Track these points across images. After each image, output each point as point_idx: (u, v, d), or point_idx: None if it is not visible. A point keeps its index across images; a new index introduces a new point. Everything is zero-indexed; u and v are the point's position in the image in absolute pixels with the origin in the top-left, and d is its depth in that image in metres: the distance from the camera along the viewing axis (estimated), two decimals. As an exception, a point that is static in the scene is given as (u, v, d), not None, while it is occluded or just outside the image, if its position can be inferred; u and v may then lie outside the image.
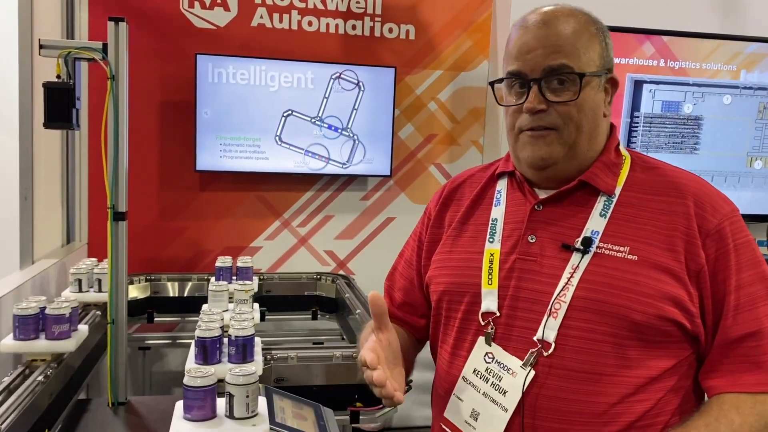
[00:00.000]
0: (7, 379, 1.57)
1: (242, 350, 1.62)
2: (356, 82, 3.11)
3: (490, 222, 1.15)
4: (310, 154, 3.11)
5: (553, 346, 1.02)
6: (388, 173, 3.22)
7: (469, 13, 3.31)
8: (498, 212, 1.16)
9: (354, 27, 3.18)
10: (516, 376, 1.04)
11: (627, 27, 3.33)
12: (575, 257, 1.04)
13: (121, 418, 1.84)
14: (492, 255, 1.11)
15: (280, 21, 3.09)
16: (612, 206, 1.06)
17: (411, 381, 1.99)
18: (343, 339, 2.66)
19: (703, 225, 1.02)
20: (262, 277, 2.89)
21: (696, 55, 3.43)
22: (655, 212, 1.05)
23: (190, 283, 2.82)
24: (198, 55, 2.91)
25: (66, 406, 1.78)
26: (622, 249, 1.03)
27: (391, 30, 3.23)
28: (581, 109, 1.06)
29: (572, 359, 1.01)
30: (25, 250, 2.34)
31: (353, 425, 1.90)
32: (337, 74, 3.08)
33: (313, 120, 3.09)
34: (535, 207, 1.11)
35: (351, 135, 3.15)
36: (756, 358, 1.00)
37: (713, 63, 3.45)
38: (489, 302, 1.09)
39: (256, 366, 1.47)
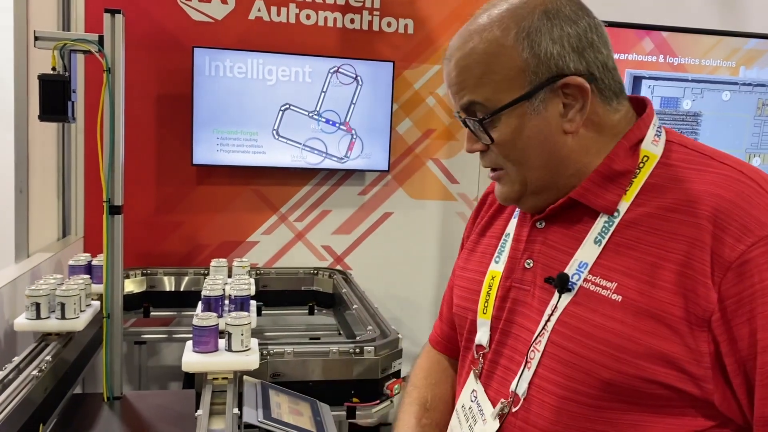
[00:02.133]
0: (0, 374, 1.56)
1: (240, 306, 1.90)
2: (354, 76, 3.10)
3: (503, 237, 0.98)
4: (307, 149, 3.10)
5: (522, 400, 0.86)
6: (386, 168, 3.21)
7: (468, 6, 3.28)
8: (512, 226, 0.98)
9: (352, 21, 3.17)
10: (486, 424, 0.90)
11: (626, 23, 3.32)
12: (556, 295, 0.85)
13: (116, 412, 1.84)
14: (493, 278, 0.96)
15: (278, 14, 3.08)
16: (612, 228, 0.84)
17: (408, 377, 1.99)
18: (339, 334, 2.66)
19: (720, 253, 0.75)
20: (258, 272, 2.88)
21: (695, 51, 3.42)
22: (665, 237, 0.79)
23: (186, 278, 2.81)
24: (195, 48, 2.89)
25: (61, 401, 1.77)
26: (609, 285, 0.81)
27: (389, 24, 3.22)
28: (511, 147, 0.87)
29: (540, 416, 0.84)
30: (21, 243, 2.33)
31: (350, 421, 1.89)
32: (335, 68, 3.07)
33: (310, 114, 3.08)
34: (536, 224, 0.93)
35: (349, 129, 3.13)
36: None
37: (712, 59, 3.44)
38: (482, 334, 0.95)
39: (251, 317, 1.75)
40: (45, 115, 1.84)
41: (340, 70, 3.08)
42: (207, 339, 1.64)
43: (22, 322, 1.80)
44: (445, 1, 3.27)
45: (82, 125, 2.81)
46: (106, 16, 1.86)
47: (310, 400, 1.72)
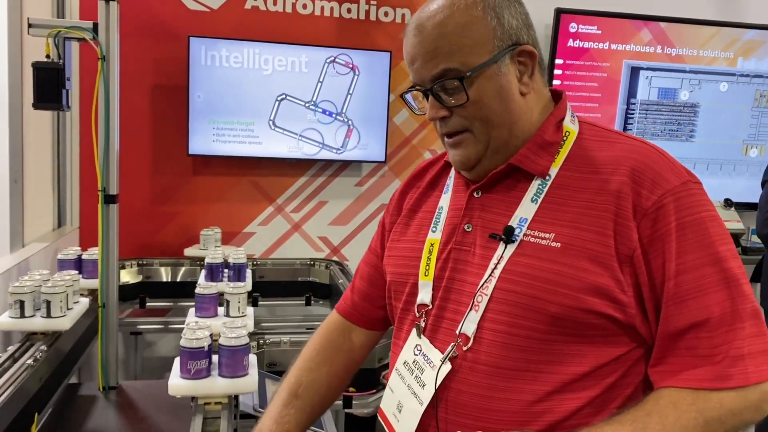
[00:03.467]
0: (-5, 363, 1.55)
1: (237, 273, 2.16)
2: (351, 66, 3.08)
3: (437, 210, 1.10)
4: (304, 139, 3.08)
5: (471, 340, 0.97)
6: (383, 159, 3.20)
7: (466, -3, 3.28)
8: (445, 200, 1.11)
9: (349, 10, 3.15)
10: (435, 368, 0.99)
11: (624, 13, 3.31)
12: (501, 247, 0.98)
13: (111, 402, 1.83)
14: (432, 245, 1.07)
15: (275, 4, 3.06)
16: (546, 189, 0.99)
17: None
18: (336, 325, 2.65)
19: (638, 203, 0.92)
20: (255, 262, 2.87)
21: (693, 42, 3.41)
22: (592, 193, 0.95)
23: (182, 268, 2.81)
24: (191, 38, 2.87)
25: (56, 391, 1.77)
26: (546, 236, 0.95)
27: (386, 14, 3.20)
28: (482, 105, 0.98)
29: (490, 353, 0.95)
30: (15, 233, 2.31)
31: (346, 410, 1.89)
32: (332, 58, 3.05)
33: (307, 104, 3.06)
34: (473, 194, 1.05)
35: (345, 120, 3.12)
36: (701, 351, 0.90)
37: (710, 50, 3.44)
38: (424, 294, 1.05)
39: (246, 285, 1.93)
40: (39, 103, 1.83)
41: (336, 59, 3.06)
42: (208, 305, 1.80)
43: (5, 320, 1.71)
44: (443, -9, 3.25)
45: (77, 114, 2.79)
46: (101, 4, 1.84)
47: (306, 390, 1.71)
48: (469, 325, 0.97)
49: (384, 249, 1.19)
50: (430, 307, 1.04)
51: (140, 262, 2.77)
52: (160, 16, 2.92)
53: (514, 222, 0.98)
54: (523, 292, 0.94)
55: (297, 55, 3.01)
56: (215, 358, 1.48)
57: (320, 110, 3.08)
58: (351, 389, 1.87)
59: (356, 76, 3.09)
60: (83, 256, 2.04)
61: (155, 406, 1.81)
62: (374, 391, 1.88)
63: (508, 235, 0.97)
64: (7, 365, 1.57)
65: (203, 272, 2.19)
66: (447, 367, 0.98)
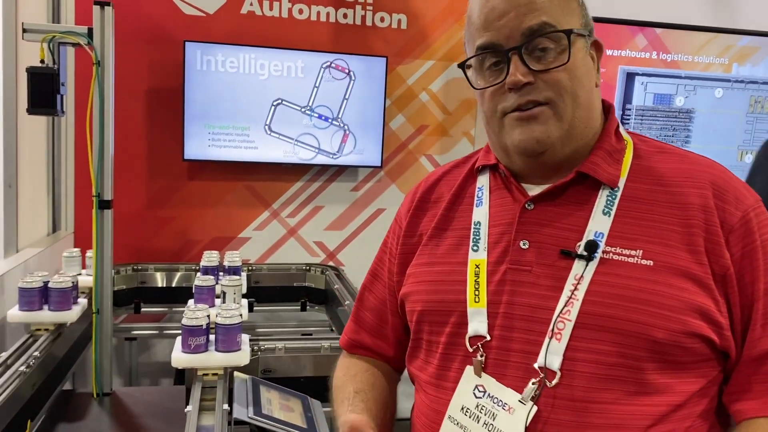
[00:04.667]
0: (-12, 369, 1.54)
1: (232, 272, 2.28)
2: (347, 71, 3.08)
3: (473, 226, 0.97)
4: (299, 144, 3.08)
5: (558, 374, 0.84)
6: (379, 164, 3.19)
7: (462, 2, 3.28)
8: (481, 214, 0.98)
9: (345, 15, 3.15)
10: (514, 412, 0.85)
11: (620, 19, 3.32)
12: (578, 265, 0.86)
13: (105, 408, 1.82)
14: (478, 266, 0.93)
15: (270, 9, 3.06)
16: (616, 201, 0.89)
17: (400, 373, 1.98)
18: (332, 330, 2.65)
19: (725, 219, 0.85)
20: (250, 267, 2.86)
21: (688, 48, 3.42)
22: (668, 206, 0.87)
23: (177, 274, 2.79)
24: (186, 42, 2.87)
25: (49, 397, 1.76)
26: (633, 253, 0.85)
27: (382, 19, 3.20)
28: (573, 76, 0.88)
29: (582, 388, 0.83)
30: (9, 238, 2.30)
31: (341, 417, 1.88)
32: (328, 63, 3.05)
33: (303, 109, 3.06)
34: (526, 206, 0.93)
35: (341, 125, 3.12)
36: None
37: (705, 56, 3.45)
38: (477, 324, 0.90)
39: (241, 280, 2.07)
40: (33, 108, 1.82)
41: (332, 65, 3.06)
42: (206, 297, 1.91)
43: (16, 313, 1.82)
44: (439, -3, 3.26)
45: (72, 119, 2.78)
46: (96, 9, 1.84)
47: (301, 396, 1.71)
48: (552, 358, 0.85)
49: (395, 275, 1.05)
50: (488, 338, 0.90)
51: (135, 267, 2.76)
52: (155, 20, 2.92)
53: (588, 236, 0.88)
54: (619, 316, 0.83)
55: (293, 60, 3.01)
56: (212, 337, 1.66)
57: (316, 115, 3.08)
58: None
59: (352, 81, 3.09)
60: (50, 284, 1.88)
61: (149, 413, 1.80)
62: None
63: (591, 251, 0.86)
64: (0, 371, 1.56)
65: (199, 273, 2.23)
66: (529, 407, 0.85)
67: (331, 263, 3.20)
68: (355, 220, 3.31)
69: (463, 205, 1.01)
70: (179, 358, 1.60)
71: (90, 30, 1.83)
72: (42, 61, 1.83)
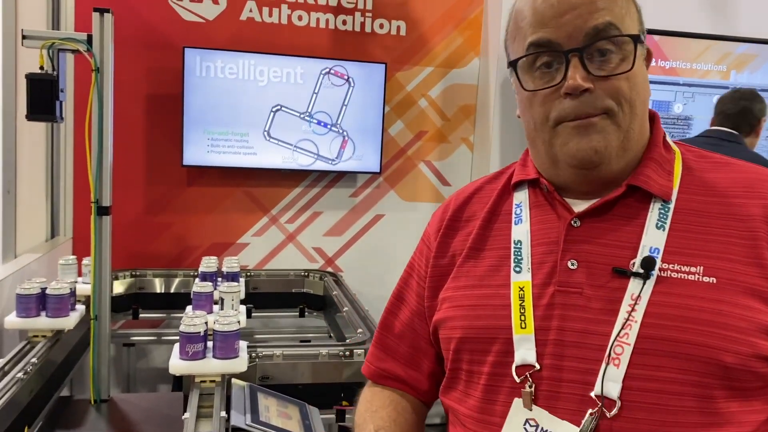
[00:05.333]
0: (-15, 376, 1.54)
1: (231, 278, 2.29)
2: (346, 77, 3.09)
3: (513, 245, 0.90)
4: (298, 150, 3.08)
5: (618, 403, 0.77)
6: (378, 170, 3.20)
7: (461, 9, 3.30)
8: (521, 232, 0.90)
9: (344, 22, 3.16)
10: None
11: (618, 26, 3.32)
12: (634, 284, 0.80)
13: (103, 415, 1.82)
14: (522, 289, 0.86)
15: (270, 15, 3.06)
16: (670, 214, 0.82)
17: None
18: (330, 337, 2.65)
19: None
20: (249, 273, 2.86)
21: (686, 55, 3.43)
22: (726, 218, 0.81)
23: (176, 279, 2.80)
24: (186, 49, 2.87)
25: (47, 404, 1.75)
26: (693, 270, 0.79)
27: (381, 26, 3.21)
28: (634, 84, 0.82)
29: (645, 420, 0.77)
30: (8, 244, 2.30)
31: (339, 424, 1.88)
32: (327, 69, 3.06)
33: (302, 115, 3.07)
34: (572, 223, 0.86)
35: (340, 131, 3.12)
36: None
37: (703, 63, 3.46)
38: (524, 352, 0.83)
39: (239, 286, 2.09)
40: (33, 114, 1.83)
41: (331, 71, 3.07)
42: (204, 303, 1.93)
43: (13, 320, 1.82)
44: (438, 4, 3.26)
45: (71, 125, 2.79)
46: (95, 15, 1.84)
47: (299, 404, 1.71)
48: (610, 385, 0.77)
49: (426, 300, 0.98)
50: (538, 367, 0.82)
51: (133, 272, 2.76)
52: (155, 26, 2.93)
53: (643, 253, 0.81)
54: (683, 339, 0.76)
55: (292, 66, 3.02)
56: (210, 344, 1.67)
57: (315, 121, 3.08)
58: (344, 403, 1.86)
59: (351, 88, 3.10)
60: (47, 290, 1.86)
61: (147, 419, 1.80)
62: (367, 404, 1.87)
63: (648, 268, 0.79)
64: (-3, 378, 1.56)
65: (197, 279, 2.24)
66: None
67: (329, 269, 3.20)
68: (354, 226, 3.31)
69: (498, 223, 0.94)
70: (177, 365, 1.61)
71: (89, 36, 1.84)
72: (41, 68, 1.83)
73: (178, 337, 1.64)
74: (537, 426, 0.81)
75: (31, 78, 1.81)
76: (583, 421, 0.78)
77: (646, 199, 0.84)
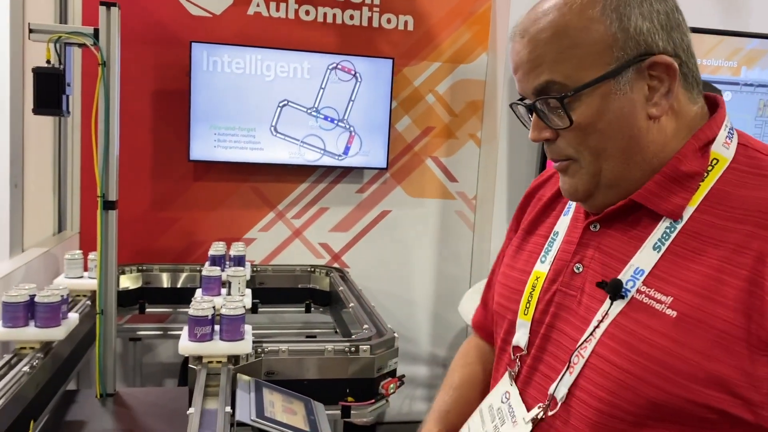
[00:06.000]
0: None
1: (237, 262, 2.46)
2: (353, 72, 3.08)
3: (551, 235, 0.93)
4: (305, 146, 3.08)
5: (558, 406, 0.82)
6: (384, 166, 3.19)
7: (469, 4, 3.28)
8: (562, 224, 0.93)
9: (352, 17, 3.15)
10: (516, 427, 0.86)
11: (627, 21, 3.30)
12: (607, 302, 0.80)
13: (109, 409, 1.82)
14: (537, 279, 0.91)
15: (277, 10, 3.06)
16: (673, 235, 0.78)
17: (404, 376, 1.97)
18: (336, 332, 2.64)
19: None
20: (255, 268, 2.86)
21: (696, 51, 3.36)
22: (738, 250, 0.74)
23: (182, 274, 2.79)
24: (193, 43, 2.87)
25: (53, 398, 1.76)
26: (663, 299, 0.76)
27: (389, 20, 3.19)
28: (590, 132, 0.80)
29: (576, 429, 0.80)
30: (15, 238, 2.31)
31: (344, 420, 1.87)
32: (334, 65, 3.05)
33: (309, 111, 3.06)
34: (591, 227, 0.87)
35: (347, 126, 3.11)
36: None
37: (714, 59, 3.43)
38: (520, 336, 0.91)
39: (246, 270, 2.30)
40: (39, 108, 1.82)
41: (339, 66, 3.06)
42: (213, 286, 2.08)
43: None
44: (446, -2, 3.25)
45: (78, 120, 2.79)
46: (102, 9, 1.84)
47: (304, 399, 1.70)
48: (561, 388, 0.83)
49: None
50: (525, 352, 0.90)
51: (140, 267, 2.76)
52: (162, 21, 2.93)
53: (626, 274, 0.80)
54: (620, 365, 0.77)
55: (299, 61, 3.01)
56: (217, 327, 1.76)
57: (322, 116, 3.08)
58: (349, 398, 1.85)
59: (358, 83, 3.09)
60: (36, 298, 1.73)
61: (153, 414, 1.80)
62: (372, 401, 1.87)
63: (615, 291, 0.79)
64: (3, 372, 1.56)
65: (207, 263, 2.42)
66: (526, 429, 0.85)
67: (335, 265, 3.20)
68: (360, 221, 3.30)
69: (555, 210, 0.98)
70: (186, 346, 1.70)
71: (96, 30, 1.83)
72: (48, 62, 1.83)
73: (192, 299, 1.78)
74: (508, 400, 0.91)
75: (37, 72, 1.80)
76: (532, 410, 0.86)
77: (658, 215, 0.81)
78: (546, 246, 0.94)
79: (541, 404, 0.85)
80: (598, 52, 0.78)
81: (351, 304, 2.41)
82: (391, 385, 1.90)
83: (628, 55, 0.78)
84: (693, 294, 0.74)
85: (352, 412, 1.85)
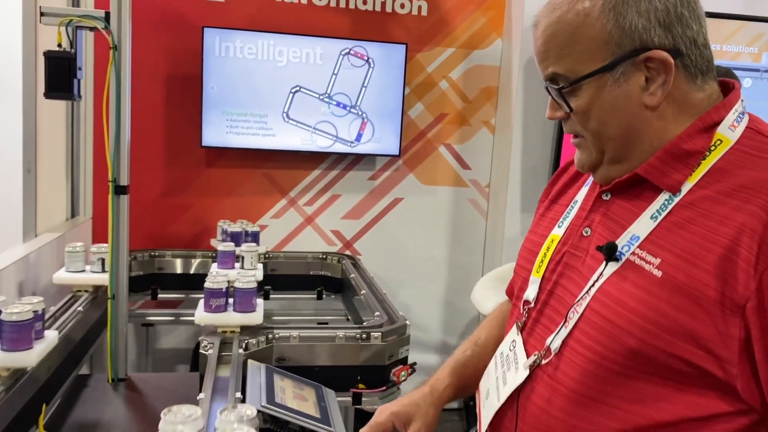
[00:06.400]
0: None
1: (252, 238, 2.65)
2: (366, 58, 3.05)
3: (571, 204, 1.03)
4: (317, 132, 3.06)
5: (552, 355, 0.92)
6: (397, 153, 3.17)
7: (483, -11, 3.23)
8: (581, 194, 1.02)
9: (365, 2, 3.12)
10: (517, 372, 0.96)
11: (645, 6, 3.24)
12: (603, 264, 0.89)
13: (120, 394, 1.83)
14: (552, 241, 1.01)
15: (290, -6, 3.03)
16: (670, 207, 0.86)
17: (415, 364, 1.96)
18: (347, 319, 2.63)
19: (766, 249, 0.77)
20: (267, 255, 2.85)
21: (716, 37, 3.34)
22: (723, 221, 0.81)
23: (194, 260, 2.80)
24: (205, 28, 2.85)
25: (65, 381, 1.76)
26: (652, 260, 0.84)
27: (402, 5, 3.16)
28: (589, 117, 0.90)
29: (567, 375, 0.89)
30: (28, 223, 2.31)
31: (355, 407, 1.87)
32: (347, 50, 3.02)
33: (321, 97, 3.04)
34: (602, 196, 0.96)
35: (360, 113, 3.09)
36: None
37: (734, 45, 3.36)
38: (530, 290, 1.01)
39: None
40: (50, 92, 1.82)
41: (351, 52, 3.03)
42: (227, 259, 2.25)
43: None
44: (460, -17, 3.20)
45: (90, 104, 2.79)
46: (113, -8, 1.82)
47: (315, 386, 1.70)
48: (556, 340, 0.92)
49: None
50: (532, 305, 1.00)
51: (152, 253, 2.76)
52: (174, 5, 2.91)
53: (623, 239, 0.88)
54: (608, 318, 0.86)
55: (312, 46, 2.98)
56: (231, 300, 1.87)
57: (334, 103, 3.06)
58: (360, 385, 1.84)
59: (371, 69, 3.06)
60: (2, 315, 1.41)
61: (164, 399, 1.80)
62: (384, 388, 1.86)
63: (610, 253, 0.88)
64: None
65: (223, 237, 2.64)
66: (524, 374, 0.94)
67: (347, 252, 3.19)
68: (373, 209, 3.29)
69: (578, 182, 1.06)
70: (202, 316, 1.81)
71: (107, 14, 1.82)
72: (59, 45, 1.82)
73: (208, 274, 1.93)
74: (514, 348, 1.00)
75: (48, 55, 1.80)
76: (530, 358, 0.95)
77: (659, 188, 0.89)
78: (565, 213, 1.03)
79: (537, 352, 0.94)
80: (596, 48, 0.87)
81: (362, 291, 2.40)
82: (403, 373, 1.89)
83: (623, 50, 0.86)
84: (679, 258, 0.82)
85: (363, 399, 1.84)
